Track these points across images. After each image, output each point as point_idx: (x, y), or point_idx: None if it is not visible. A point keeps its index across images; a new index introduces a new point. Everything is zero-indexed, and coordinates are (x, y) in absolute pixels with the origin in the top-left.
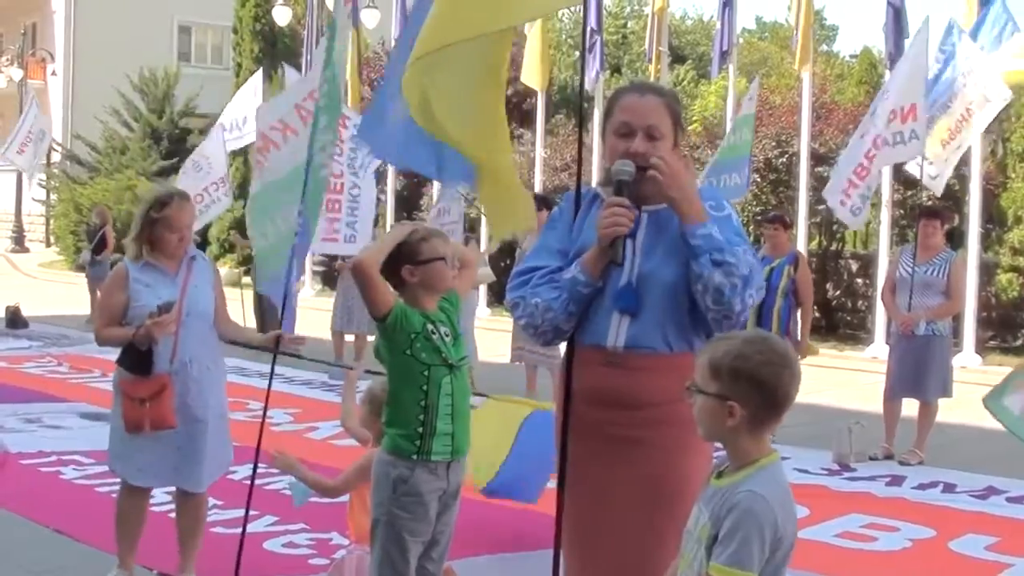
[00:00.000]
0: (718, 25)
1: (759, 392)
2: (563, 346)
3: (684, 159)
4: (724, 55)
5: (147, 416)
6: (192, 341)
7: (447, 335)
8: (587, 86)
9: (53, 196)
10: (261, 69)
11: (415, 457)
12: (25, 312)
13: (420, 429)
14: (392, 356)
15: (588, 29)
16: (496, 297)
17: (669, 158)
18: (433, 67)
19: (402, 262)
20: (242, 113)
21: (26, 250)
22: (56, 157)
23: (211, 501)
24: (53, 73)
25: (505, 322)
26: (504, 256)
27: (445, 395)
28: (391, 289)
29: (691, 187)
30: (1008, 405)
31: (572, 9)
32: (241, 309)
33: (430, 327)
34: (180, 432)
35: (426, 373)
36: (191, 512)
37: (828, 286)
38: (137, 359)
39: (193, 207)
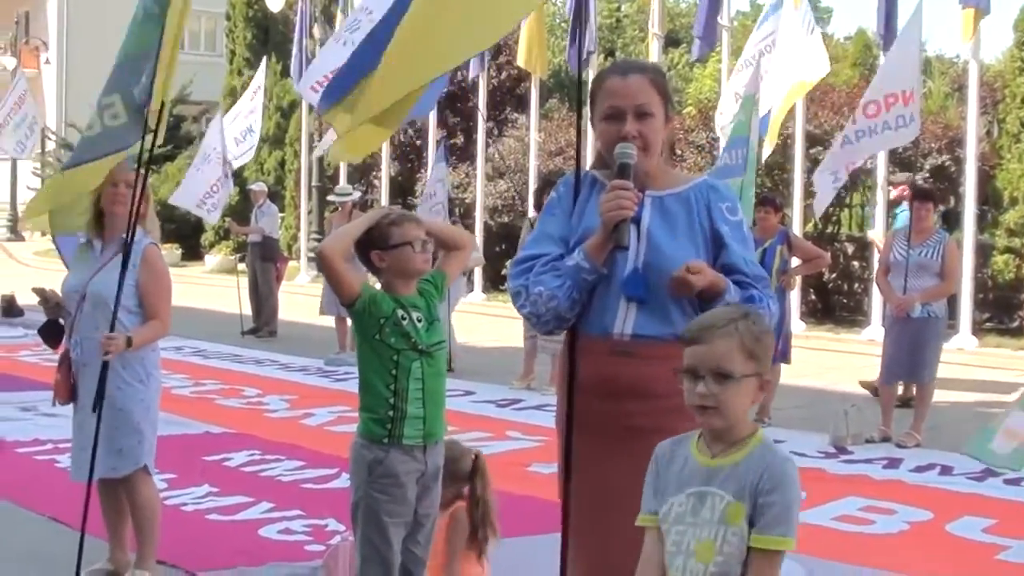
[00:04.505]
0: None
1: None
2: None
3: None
4: (709, 38)
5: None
6: (86, 324)
7: (419, 320)
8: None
9: None
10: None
11: (386, 441)
12: (20, 301)
13: (391, 413)
14: (362, 341)
15: (575, 14)
16: (492, 282)
17: (690, 276)
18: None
19: (371, 247)
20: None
21: (21, 238)
22: (50, 145)
23: (206, 488)
24: (47, 61)
25: (499, 307)
26: (499, 241)
27: (415, 380)
28: (369, 273)
29: (707, 282)
30: (995, 449)
31: None
32: (237, 296)
33: (400, 312)
34: (76, 415)
35: (395, 358)
36: (110, 501)
37: (824, 269)
38: (44, 326)
39: (112, 187)
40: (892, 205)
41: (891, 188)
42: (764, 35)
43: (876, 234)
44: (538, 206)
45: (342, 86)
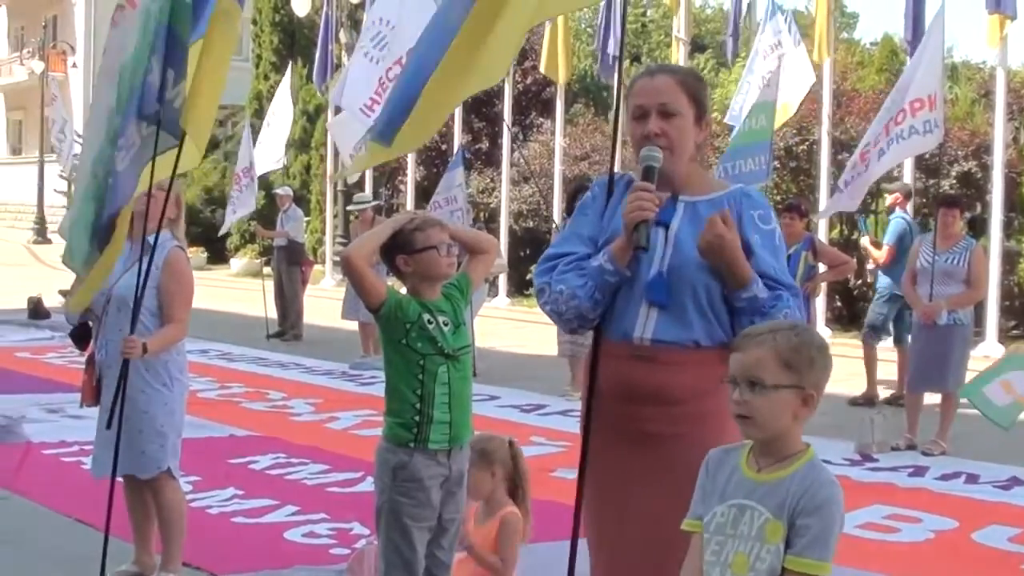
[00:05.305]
0: (731, 7)
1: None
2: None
3: (732, 225)
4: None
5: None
6: (111, 327)
7: (445, 324)
8: (604, 75)
9: (74, 187)
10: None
11: (412, 445)
12: (47, 303)
13: (416, 418)
14: (388, 345)
15: (608, 18)
16: (516, 287)
17: (721, 230)
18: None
19: (396, 252)
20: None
21: (48, 241)
22: (77, 148)
23: (232, 491)
24: (74, 65)
25: (524, 312)
26: (524, 245)
27: (441, 384)
28: (393, 278)
29: (737, 250)
30: (988, 395)
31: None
32: (263, 299)
33: (427, 317)
34: (100, 416)
35: (421, 363)
36: (136, 503)
37: (849, 275)
38: (75, 329)
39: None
40: (887, 211)
41: (886, 195)
42: (771, 45)
43: (867, 240)
44: (569, 211)
45: (392, 124)
